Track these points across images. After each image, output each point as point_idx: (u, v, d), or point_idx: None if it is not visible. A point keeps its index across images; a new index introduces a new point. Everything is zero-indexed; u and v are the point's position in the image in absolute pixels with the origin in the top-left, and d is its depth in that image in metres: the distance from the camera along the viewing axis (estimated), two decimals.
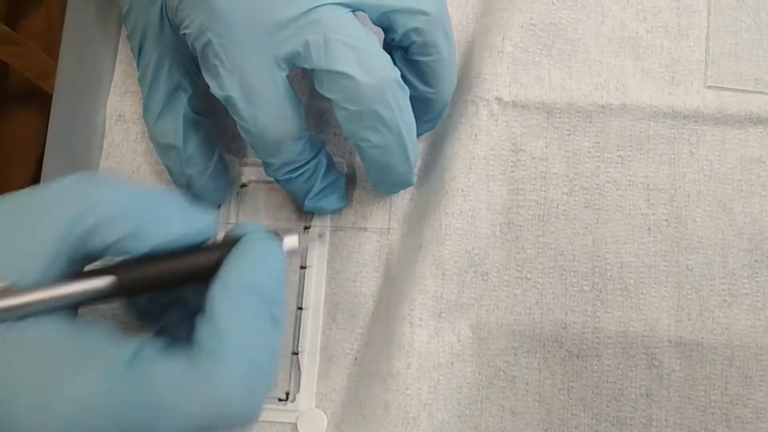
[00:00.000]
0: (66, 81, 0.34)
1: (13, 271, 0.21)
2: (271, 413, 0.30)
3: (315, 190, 0.30)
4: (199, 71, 0.28)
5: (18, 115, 0.44)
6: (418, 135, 0.29)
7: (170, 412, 0.20)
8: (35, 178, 0.43)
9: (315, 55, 0.25)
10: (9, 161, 0.44)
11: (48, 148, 0.33)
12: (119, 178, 0.25)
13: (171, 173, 0.31)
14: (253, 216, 0.33)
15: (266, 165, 0.29)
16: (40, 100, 0.43)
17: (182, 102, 0.30)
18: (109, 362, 0.20)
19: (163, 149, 0.31)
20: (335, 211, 0.32)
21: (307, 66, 0.26)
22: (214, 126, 0.32)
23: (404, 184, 0.30)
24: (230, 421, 0.21)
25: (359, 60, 0.25)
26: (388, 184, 0.30)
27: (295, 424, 0.30)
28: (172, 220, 0.23)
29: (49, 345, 0.21)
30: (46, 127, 0.42)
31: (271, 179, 0.31)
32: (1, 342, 0.20)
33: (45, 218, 0.21)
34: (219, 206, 0.32)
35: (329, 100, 0.26)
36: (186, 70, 0.30)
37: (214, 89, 0.27)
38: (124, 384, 0.20)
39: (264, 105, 0.26)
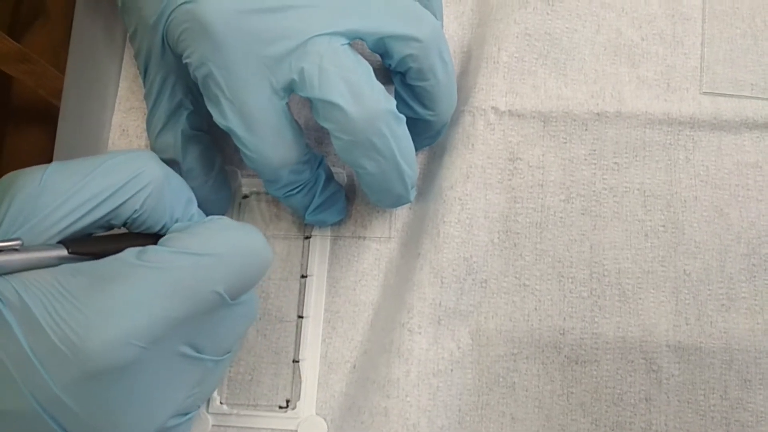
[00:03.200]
0: (72, 97, 0.35)
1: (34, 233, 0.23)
2: (273, 420, 0.31)
3: (315, 203, 0.31)
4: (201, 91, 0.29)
5: (24, 129, 0.45)
6: (417, 149, 0.30)
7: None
8: None
9: (309, 84, 0.26)
10: None
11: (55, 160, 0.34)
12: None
13: None
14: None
15: (267, 184, 0.29)
16: (47, 115, 0.44)
17: (182, 119, 0.30)
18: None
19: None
20: (335, 223, 0.32)
21: (302, 94, 0.27)
22: (217, 139, 0.32)
23: (402, 201, 0.30)
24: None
25: (352, 92, 0.26)
26: (386, 202, 0.30)
27: (296, 430, 0.31)
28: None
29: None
30: (53, 141, 0.43)
31: None
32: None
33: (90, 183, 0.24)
34: None
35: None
36: (188, 89, 0.30)
37: (217, 118, 0.27)
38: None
39: (264, 134, 0.27)
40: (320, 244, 0.33)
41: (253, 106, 0.27)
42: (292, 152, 0.28)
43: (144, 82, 0.31)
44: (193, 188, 0.31)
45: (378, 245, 0.32)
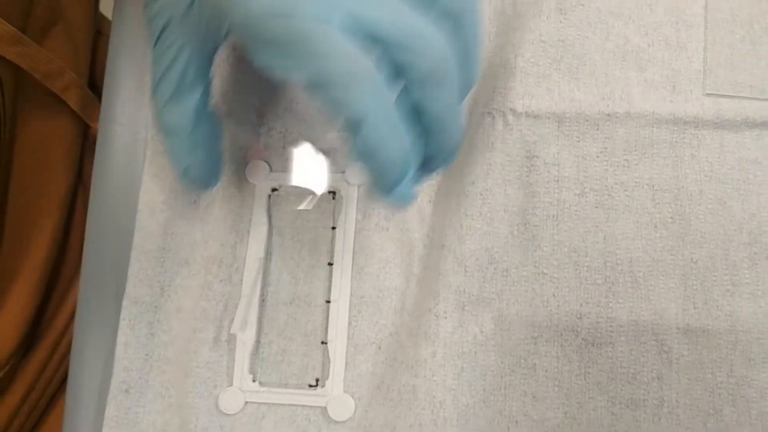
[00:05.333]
0: (112, 91, 0.37)
1: None
2: (303, 398, 0.33)
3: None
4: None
5: (33, 116, 0.45)
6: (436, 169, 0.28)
7: None
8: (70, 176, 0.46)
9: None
10: (46, 164, 0.46)
11: (97, 157, 0.36)
12: None
13: (171, 156, 0.31)
14: (284, 220, 0.35)
15: None
16: (54, 100, 0.45)
17: (197, 92, 0.29)
18: None
19: (168, 133, 0.30)
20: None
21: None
22: (244, 131, 0.34)
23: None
24: None
25: None
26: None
27: (325, 407, 0.32)
28: None
29: None
30: (65, 126, 0.44)
31: (301, 186, 0.33)
32: None
33: None
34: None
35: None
36: (205, 64, 0.30)
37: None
38: None
39: None
40: (346, 234, 0.34)
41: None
42: None
43: (154, 46, 0.30)
44: (191, 165, 0.30)
45: (401, 236, 0.34)
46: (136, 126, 0.37)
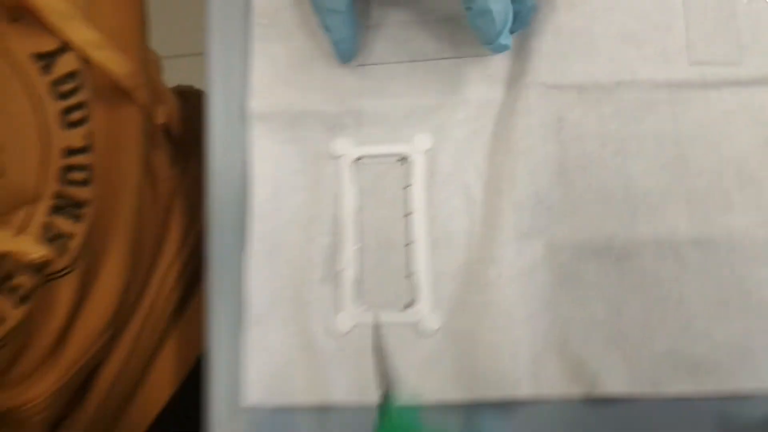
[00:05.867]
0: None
1: None
2: (399, 317, 0.41)
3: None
4: None
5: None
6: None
7: None
8: None
9: None
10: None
11: (210, 134, 0.44)
12: None
13: (330, 30, 0.42)
14: (368, 182, 0.43)
15: None
16: (125, 96, 0.50)
17: None
18: None
19: (329, 12, 0.41)
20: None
21: None
22: None
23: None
24: None
25: None
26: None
27: (416, 323, 0.40)
28: None
29: None
30: (135, 118, 0.50)
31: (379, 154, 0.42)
32: None
33: None
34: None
35: None
36: None
37: None
38: None
39: None
40: (418, 190, 0.43)
41: None
42: None
43: None
44: (342, 37, 0.42)
45: (463, 189, 0.43)
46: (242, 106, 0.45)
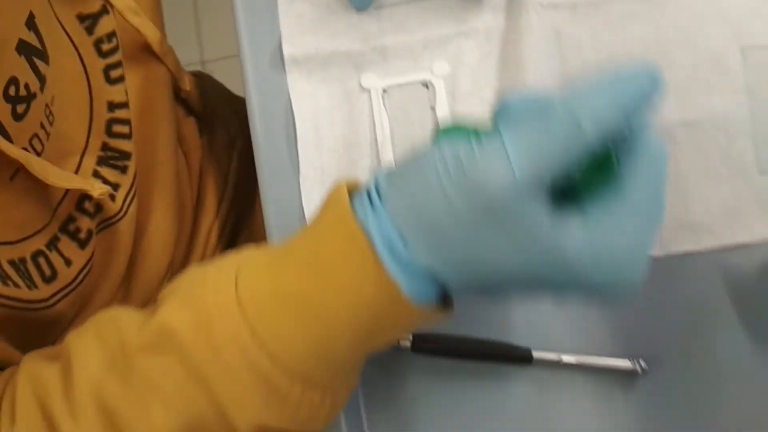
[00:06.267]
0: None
1: None
2: None
3: None
4: None
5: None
6: None
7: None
8: None
9: None
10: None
11: (252, 88, 0.50)
12: None
13: None
14: (396, 109, 0.50)
15: None
16: (156, 60, 0.55)
17: None
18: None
19: None
20: None
21: None
22: None
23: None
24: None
25: None
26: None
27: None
28: None
29: None
30: (165, 79, 0.56)
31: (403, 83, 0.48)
32: None
33: None
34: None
35: None
36: None
37: None
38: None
39: None
40: (442, 110, 0.49)
41: None
42: None
43: None
44: None
45: (481, 104, 0.49)
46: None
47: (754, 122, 0.48)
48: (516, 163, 0.30)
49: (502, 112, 0.34)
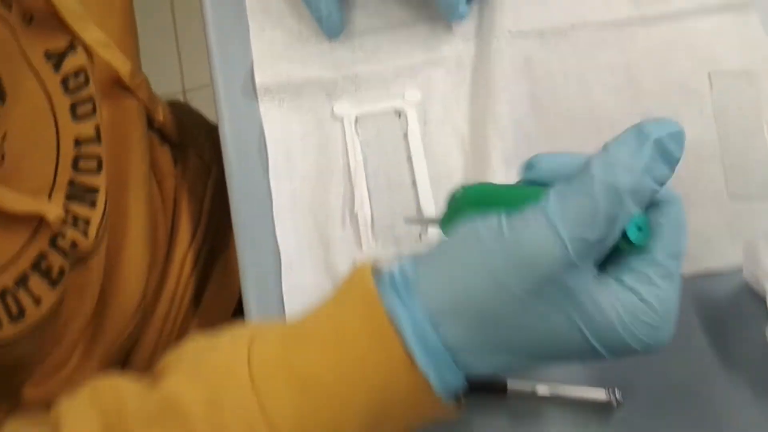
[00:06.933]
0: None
1: None
2: (413, 247, 0.47)
3: None
4: None
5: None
6: None
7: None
8: None
9: None
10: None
11: (222, 112, 0.50)
12: None
13: (313, 9, 0.49)
14: (369, 136, 0.50)
15: None
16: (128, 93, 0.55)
17: None
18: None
19: None
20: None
21: None
22: None
23: None
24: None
25: None
26: None
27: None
28: None
29: None
30: (138, 113, 0.55)
31: (375, 112, 0.48)
32: None
33: None
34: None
35: None
36: None
37: None
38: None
39: None
40: (414, 137, 0.49)
41: None
42: None
43: None
44: (326, 14, 0.47)
45: (453, 131, 0.49)
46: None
47: (722, 147, 0.48)
48: (566, 237, 0.30)
49: (532, 173, 0.35)
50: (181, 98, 1.50)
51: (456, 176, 0.49)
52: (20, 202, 0.42)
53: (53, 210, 0.44)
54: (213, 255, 0.67)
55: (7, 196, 0.41)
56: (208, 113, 0.76)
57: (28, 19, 0.46)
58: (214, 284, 0.66)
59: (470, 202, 0.36)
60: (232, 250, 0.67)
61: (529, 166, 0.36)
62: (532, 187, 0.34)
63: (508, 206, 0.33)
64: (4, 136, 0.43)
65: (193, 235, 0.65)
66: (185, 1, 1.55)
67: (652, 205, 0.33)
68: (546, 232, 0.31)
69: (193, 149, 0.67)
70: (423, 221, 0.46)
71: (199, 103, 0.78)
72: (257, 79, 0.51)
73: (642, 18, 0.51)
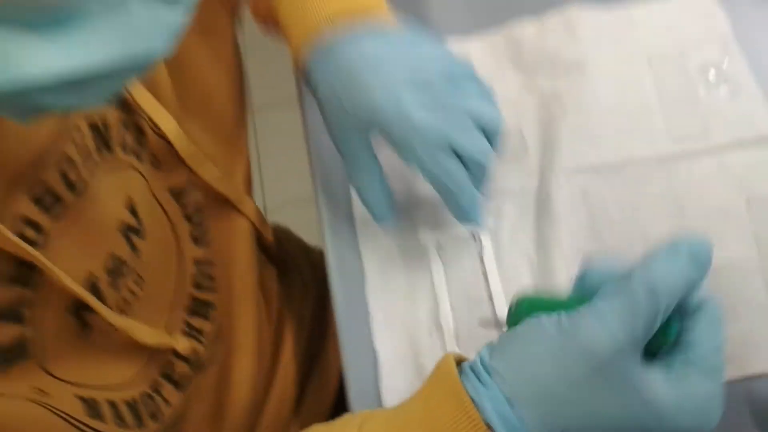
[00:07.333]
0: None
1: None
2: None
3: None
4: None
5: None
6: None
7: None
8: None
9: None
10: None
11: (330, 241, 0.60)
12: None
13: (367, 202, 0.55)
14: (450, 257, 0.58)
15: None
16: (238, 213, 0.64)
17: (375, 164, 0.54)
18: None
19: (362, 189, 0.55)
20: None
21: None
22: None
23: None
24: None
25: None
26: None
27: None
28: None
29: None
30: (247, 230, 0.65)
31: (455, 237, 0.57)
32: None
33: None
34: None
35: None
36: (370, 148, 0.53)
37: None
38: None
39: None
40: (489, 259, 0.58)
41: None
42: None
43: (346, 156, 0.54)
44: (379, 208, 0.55)
45: (524, 254, 0.58)
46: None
47: (763, 264, 0.55)
48: (614, 328, 0.38)
49: (586, 278, 0.43)
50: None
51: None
52: (154, 336, 0.49)
53: (181, 343, 0.52)
54: (312, 361, 0.75)
55: (143, 330, 0.48)
56: (295, 230, 0.86)
57: (156, 164, 0.55)
58: (312, 387, 0.74)
59: (531, 308, 0.43)
60: (328, 359, 0.75)
61: (581, 277, 0.43)
62: (582, 298, 0.42)
63: (563, 309, 0.41)
64: (143, 267, 0.52)
65: (296, 347, 0.73)
66: (264, 120, 1.75)
67: (693, 307, 0.40)
68: (597, 324, 0.38)
69: (294, 269, 0.77)
70: (495, 323, 0.53)
71: (281, 219, 0.88)
72: (355, 211, 0.61)
73: (683, 153, 0.59)
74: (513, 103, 0.63)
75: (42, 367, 0.44)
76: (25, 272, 0.42)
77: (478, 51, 0.67)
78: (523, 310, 0.44)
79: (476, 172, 0.52)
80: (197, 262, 0.58)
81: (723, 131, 0.60)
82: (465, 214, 0.53)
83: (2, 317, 0.41)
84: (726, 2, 0.66)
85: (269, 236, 0.70)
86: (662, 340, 0.40)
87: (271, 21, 0.63)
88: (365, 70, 0.51)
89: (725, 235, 0.56)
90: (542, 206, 0.59)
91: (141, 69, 0.33)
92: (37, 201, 0.43)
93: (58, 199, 0.44)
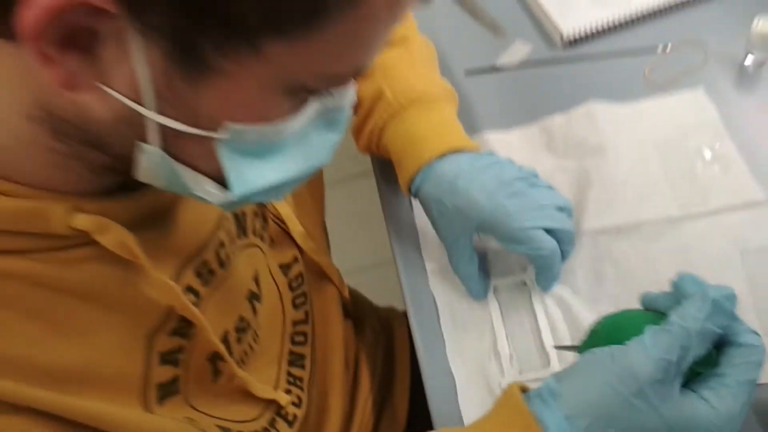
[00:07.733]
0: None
1: None
2: (538, 374, 0.68)
3: None
4: None
5: None
6: None
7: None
8: None
9: None
10: None
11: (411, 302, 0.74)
12: None
13: (468, 284, 0.71)
14: (507, 302, 0.73)
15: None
16: (327, 281, 0.77)
17: (472, 255, 0.70)
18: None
19: (464, 277, 0.71)
20: None
21: None
22: None
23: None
24: None
25: None
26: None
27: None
28: None
29: None
30: (336, 297, 0.78)
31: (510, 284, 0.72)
32: None
33: None
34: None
35: None
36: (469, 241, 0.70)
37: None
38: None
39: None
40: (537, 302, 0.72)
41: None
42: None
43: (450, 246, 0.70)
44: (475, 288, 0.71)
45: (562, 302, 0.72)
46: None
47: (755, 303, 0.69)
48: (654, 357, 0.48)
49: (679, 285, 0.54)
50: None
51: (561, 328, 0.70)
52: (264, 391, 0.59)
53: (284, 398, 0.61)
54: (383, 402, 0.88)
55: (256, 386, 0.58)
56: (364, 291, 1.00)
57: (272, 243, 0.68)
58: (384, 425, 0.85)
59: (605, 330, 0.55)
60: (396, 400, 0.88)
61: (676, 285, 0.55)
62: (651, 312, 0.55)
63: (631, 333, 0.50)
64: (259, 325, 0.63)
65: (371, 389, 0.84)
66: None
67: (735, 343, 0.50)
68: (642, 354, 0.49)
69: (367, 323, 0.91)
70: (568, 348, 0.66)
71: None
72: (428, 267, 0.76)
73: (687, 215, 0.74)
74: (548, 181, 0.79)
75: (187, 401, 0.53)
76: (185, 327, 0.52)
77: (516, 140, 0.84)
78: (605, 328, 0.56)
79: (565, 243, 0.67)
80: (295, 322, 0.70)
81: (718, 198, 0.75)
82: (555, 278, 0.68)
83: (166, 361, 0.51)
84: (715, 96, 0.82)
85: (347, 295, 0.84)
86: (705, 366, 0.50)
87: (374, 152, 0.76)
88: (463, 179, 0.66)
89: (723, 281, 0.69)
90: (575, 263, 0.74)
91: (311, 176, 0.47)
92: (198, 274, 0.54)
93: (212, 272, 0.56)
